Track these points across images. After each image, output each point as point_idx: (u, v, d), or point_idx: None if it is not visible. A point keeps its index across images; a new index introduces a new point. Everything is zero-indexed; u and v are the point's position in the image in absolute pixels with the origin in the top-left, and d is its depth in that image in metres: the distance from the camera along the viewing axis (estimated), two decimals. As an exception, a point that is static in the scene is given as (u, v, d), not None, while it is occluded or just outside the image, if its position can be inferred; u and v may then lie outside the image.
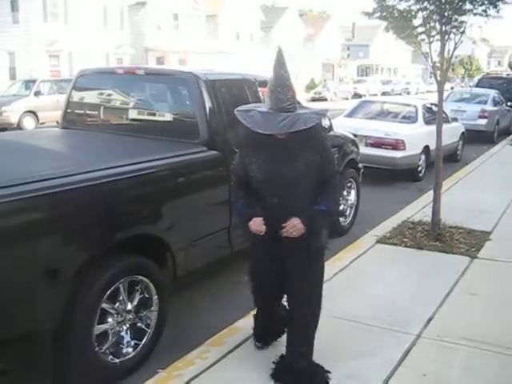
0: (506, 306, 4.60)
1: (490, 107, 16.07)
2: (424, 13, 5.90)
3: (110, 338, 3.47)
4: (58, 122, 7.30)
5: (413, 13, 5.98)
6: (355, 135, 7.92)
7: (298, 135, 3.05)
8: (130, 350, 3.59)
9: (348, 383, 3.43)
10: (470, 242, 6.10)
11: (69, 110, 5.34)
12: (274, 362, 3.51)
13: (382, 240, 6.14)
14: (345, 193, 6.64)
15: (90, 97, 5.41)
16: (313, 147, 3.20)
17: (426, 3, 5.80)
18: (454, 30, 5.96)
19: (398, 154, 9.69)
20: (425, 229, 6.40)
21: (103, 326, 3.41)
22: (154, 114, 5.11)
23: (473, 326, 4.20)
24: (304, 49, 55.26)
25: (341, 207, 6.55)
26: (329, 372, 3.43)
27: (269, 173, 3.18)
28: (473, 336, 4.00)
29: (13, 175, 3.10)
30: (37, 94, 18.44)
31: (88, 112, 5.36)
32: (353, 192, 6.85)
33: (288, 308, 3.49)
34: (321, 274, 3.44)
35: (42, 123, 17.97)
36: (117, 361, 3.49)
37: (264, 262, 3.41)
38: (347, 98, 39.89)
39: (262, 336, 3.80)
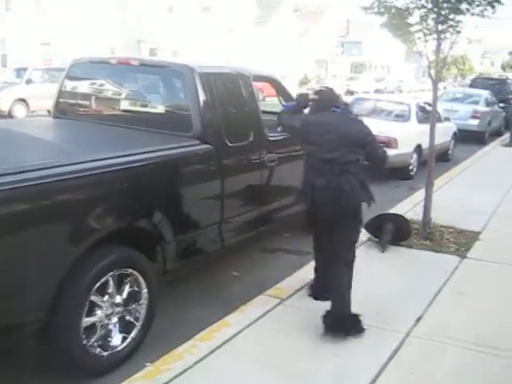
0: (494, 305, 4.62)
1: (482, 108, 16.14)
2: (421, 11, 5.89)
3: (99, 331, 3.45)
4: (49, 111, 7.23)
5: (410, 10, 5.96)
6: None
7: None
8: (118, 342, 3.57)
9: (335, 380, 3.43)
10: (459, 242, 6.12)
11: (61, 100, 5.28)
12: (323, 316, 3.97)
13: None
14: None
15: (83, 86, 5.35)
16: None
17: (423, 1, 5.80)
18: (451, 30, 5.95)
19: (391, 152, 9.63)
20: (415, 227, 6.41)
21: (92, 319, 3.38)
22: (147, 106, 5.08)
23: (461, 325, 4.22)
24: (298, 44, 55.20)
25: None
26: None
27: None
28: (461, 335, 4.02)
29: (1, 164, 3.05)
30: (28, 82, 18.25)
31: (80, 102, 5.30)
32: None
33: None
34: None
35: (32, 111, 17.80)
36: (105, 354, 3.47)
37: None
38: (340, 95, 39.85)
39: (317, 287, 4.42)
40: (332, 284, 4.06)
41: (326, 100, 4.26)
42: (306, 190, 4.08)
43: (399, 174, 10.12)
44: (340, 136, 3.99)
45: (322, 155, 3.97)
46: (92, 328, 3.40)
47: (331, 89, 4.53)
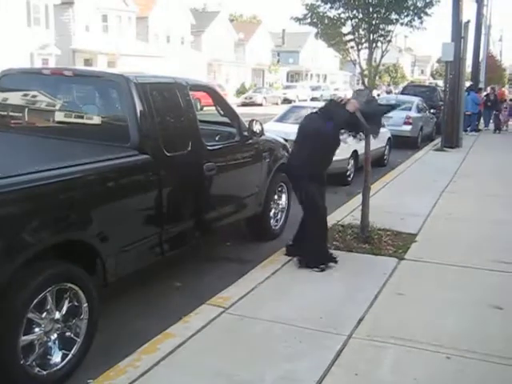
0: (431, 304, 4.77)
1: (414, 114, 16.67)
2: (353, 21, 6.07)
3: (37, 349, 3.34)
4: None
5: (342, 20, 6.12)
6: (286, 140, 7.99)
7: None
8: (58, 360, 3.47)
9: (282, 386, 3.45)
10: (397, 244, 6.30)
11: (-9, 111, 5.10)
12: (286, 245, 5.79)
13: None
14: (276, 197, 6.70)
15: (15, 98, 5.18)
16: None
17: (355, 11, 5.97)
18: (382, 39, 6.15)
19: (328, 159, 9.85)
20: (354, 231, 6.55)
21: (29, 337, 3.27)
22: (83, 117, 4.97)
23: (401, 324, 4.33)
24: (234, 53, 55.53)
25: (272, 211, 6.60)
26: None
27: None
28: (401, 334, 4.13)
29: None
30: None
31: (12, 114, 5.14)
32: (284, 196, 6.90)
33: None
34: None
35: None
36: (44, 373, 3.36)
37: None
38: (277, 104, 40.38)
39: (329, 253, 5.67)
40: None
41: None
42: None
43: (336, 180, 10.32)
44: None
45: None
46: (30, 346, 3.28)
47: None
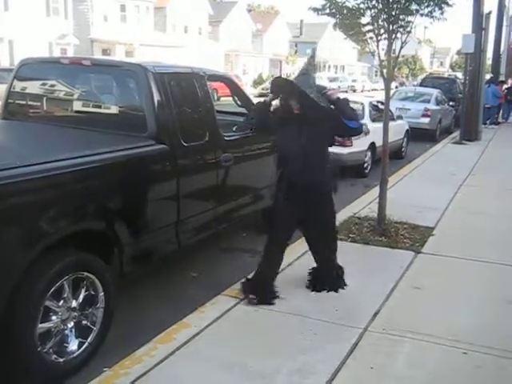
0: (448, 299, 4.73)
1: (432, 106, 16.50)
2: (372, 11, 5.98)
3: (54, 337, 3.37)
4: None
5: (361, 11, 6.04)
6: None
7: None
8: (74, 348, 3.49)
9: (297, 377, 3.45)
10: (414, 237, 6.24)
11: (10, 100, 5.13)
12: (309, 273, 4.84)
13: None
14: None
15: (33, 87, 5.21)
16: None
17: (374, 2, 5.88)
18: (401, 30, 6.06)
19: (345, 151, 9.82)
20: (371, 224, 6.52)
21: (47, 325, 3.30)
22: (101, 107, 4.98)
23: (417, 318, 4.30)
24: (252, 44, 55.34)
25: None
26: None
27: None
28: (417, 328, 4.10)
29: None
30: (-25, 83, 17.71)
31: (31, 103, 5.16)
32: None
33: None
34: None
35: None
36: (61, 360, 3.39)
37: (288, 204, 4.50)
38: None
39: (263, 286, 4.50)
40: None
41: None
42: None
43: (354, 172, 10.27)
44: None
45: None
46: (47, 334, 3.32)
47: None
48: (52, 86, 5.15)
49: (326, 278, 4.77)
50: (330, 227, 4.83)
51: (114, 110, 4.86)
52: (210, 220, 5.04)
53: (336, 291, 4.69)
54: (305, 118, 4.37)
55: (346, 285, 4.78)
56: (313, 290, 4.68)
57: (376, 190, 6.91)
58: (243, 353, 3.70)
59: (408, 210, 7.18)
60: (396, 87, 29.96)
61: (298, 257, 5.49)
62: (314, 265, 4.89)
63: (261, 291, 4.46)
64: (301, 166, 4.41)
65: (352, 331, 4.04)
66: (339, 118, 4.47)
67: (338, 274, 4.83)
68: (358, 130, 4.84)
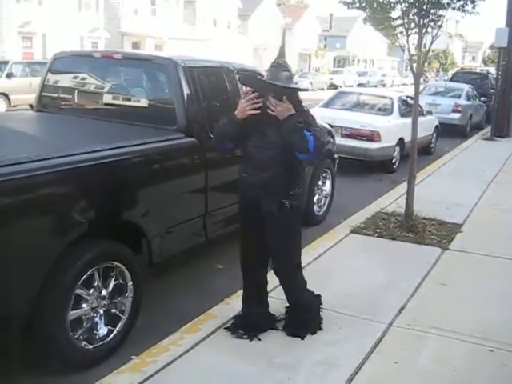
0: (475, 296, 4.70)
1: (463, 101, 16.28)
2: (403, 5, 5.93)
3: (84, 324, 3.45)
4: (30, 105, 7.16)
5: (392, 5, 6.00)
6: (331, 125, 7.96)
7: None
8: (103, 335, 3.58)
9: (321, 369, 3.47)
10: (441, 234, 6.20)
11: (44, 93, 5.25)
12: (282, 318, 3.97)
13: (356, 230, 6.21)
14: (320, 183, 6.68)
15: (66, 80, 5.31)
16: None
17: (405, -4, 5.84)
18: (432, 24, 6.01)
19: (373, 146, 9.78)
20: (398, 220, 6.49)
21: (77, 312, 3.38)
22: (131, 100, 5.06)
23: (443, 315, 4.28)
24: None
25: (315, 197, 6.59)
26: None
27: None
28: (443, 325, 4.09)
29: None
30: (9, 75, 18.04)
31: (63, 95, 5.27)
32: (328, 182, 6.88)
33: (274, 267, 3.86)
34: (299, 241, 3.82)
35: (14, 106, 17.61)
36: (91, 347, 3.47)
37: (249, 230, 3.78)
38: (323, 89, 39.97)
39: (250, 322, 3.85)
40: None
41: None
42: None
43: (382, 167, 10.23)
44: None
45: None
46: (78, 321, 3.40)
47: None
48: (84, 79, 5.25)
49: (302, 320, 3.90)
50: (292, 260, 3.81)
51: (144, 103, 4.93)
52: (236, 213, 5.07)
53: (314, 333, 3.86)
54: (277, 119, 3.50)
55: (321, 323, 3.95)
56: (288, 335, 3.84)
57: (404, 186, 6.88)
58: (268, 344, 3.73)
59: (436, 206, 7.12)
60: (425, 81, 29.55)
61: (320, 254, 5.50)
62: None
63: (247, 326, 3.85)
64: (267, 177, 3.57)
65: (377, 326, 4.04)
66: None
67: (313, 312, 3.97)
68: (309, 162, 3.88)
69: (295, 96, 3.64)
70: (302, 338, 3.79)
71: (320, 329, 3.90)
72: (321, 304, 4.05)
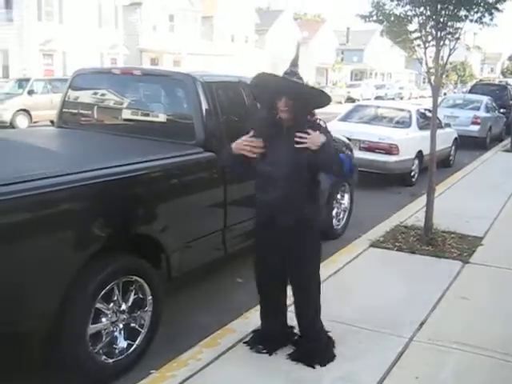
0: (497, 310, 4.63)
1: (482, 113, 16.16)
2: (420, 18, 5.93)
3: (104, 338, 3.47)
4: (51, 121, 7.27)
5: (409, 18, 6.01)
6: (349, 139, 7.95)
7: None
8: (123, 350, 3.59)
9: (341, 385, 3.45)
10: (462, 247, 6.13)
11: (64, 110, 5.33)
12: (293, 343, 3.82)
13: (375, 244, 6.17)
14: (338, 196, 6.67)
15: (87, 96, 5.40)
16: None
17: (422, 9, 5.84)
18: (449, 36, 6.00)
19: (392, 159, 9.74)
20: (417, 233, 6.44)
21: (97, 326, 3.40)
22: (150, 115, 5.12)
23: (465, 329, 4.23)
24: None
25: (334, 211, 6.57)
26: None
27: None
28: (465, 340, 4.03)
29: (8, 174, 3.10)
30: (30, 92, 18.37)
31: (84, 111, 5.35)
32: (346, 196, 6.87)
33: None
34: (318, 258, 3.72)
35: (35, 122, 17.90)
36: (110, 361, 3.49)
37: (265, 248, 3.64)
38: (341, 102, 39.95)
39: (269, 337, 3.81)
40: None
41: None
42: None
43: (401, 180, 10.17)
44: None
45: None
46: (98, 335, 3.42)
47: None
48: (104, 95, 5.32)
49: (314, 349, 3.73)
50: (311, 279, 3.69)
51: (162, 118, 4.99)
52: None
53: (324, 365, 3.64)
54: (293, 127, 3.43)
55: (335, 356, 3.73)
56: (297, 362, 3.66)
57: (423, 199, 6.83)
58: (289, 359, 3.71)
59: (456, 220, 7.05)
60: (444, 94, 29.41)
61: (339, 268, 5.48)
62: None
63: (266, 341, 3.82)
64: (281, 194, 3.46)
65: (397, 340, 4.00)
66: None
67: (328, 343, 3.82)
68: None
69: (312, 101, 3.51)
70: (312, 366, 3.62)
71: (332, 360, 3.70)
72: (329, 338, 3.87)
